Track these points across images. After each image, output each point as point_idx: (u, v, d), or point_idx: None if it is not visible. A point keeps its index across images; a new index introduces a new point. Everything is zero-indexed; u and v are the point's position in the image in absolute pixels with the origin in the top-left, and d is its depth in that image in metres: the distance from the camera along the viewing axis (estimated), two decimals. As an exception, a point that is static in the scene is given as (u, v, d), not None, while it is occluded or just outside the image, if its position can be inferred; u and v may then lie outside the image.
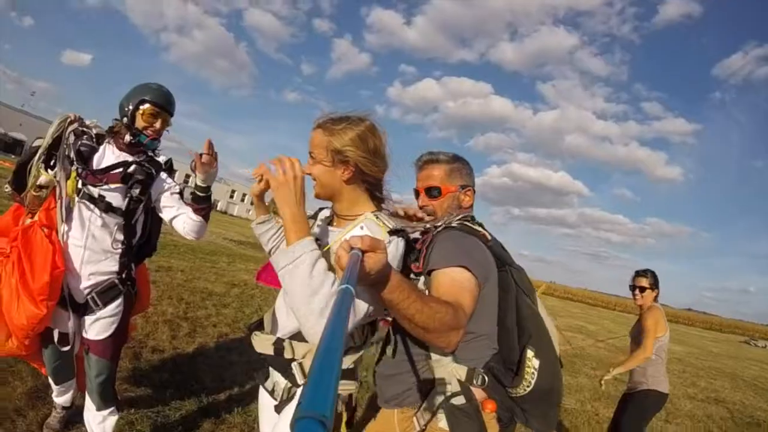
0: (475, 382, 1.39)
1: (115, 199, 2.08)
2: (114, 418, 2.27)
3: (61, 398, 2.52)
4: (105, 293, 2.11)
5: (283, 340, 1.44)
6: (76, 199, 2.02)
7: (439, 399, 1.39)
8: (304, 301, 1.19)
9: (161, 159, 2.27)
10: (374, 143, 1.44)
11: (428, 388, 1.42)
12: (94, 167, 2.05)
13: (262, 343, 1.48)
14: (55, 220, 2.02)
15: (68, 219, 2.04)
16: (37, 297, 1.89)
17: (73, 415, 2.60)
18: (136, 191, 2.10)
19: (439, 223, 1.54)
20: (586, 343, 12.41)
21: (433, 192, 1.68)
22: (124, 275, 2.15)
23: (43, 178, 2.01)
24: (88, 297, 2.08)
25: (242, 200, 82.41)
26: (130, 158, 2.13)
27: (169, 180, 2.26)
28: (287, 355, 1.42)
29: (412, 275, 1.46)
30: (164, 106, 2.17)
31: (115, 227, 2.11)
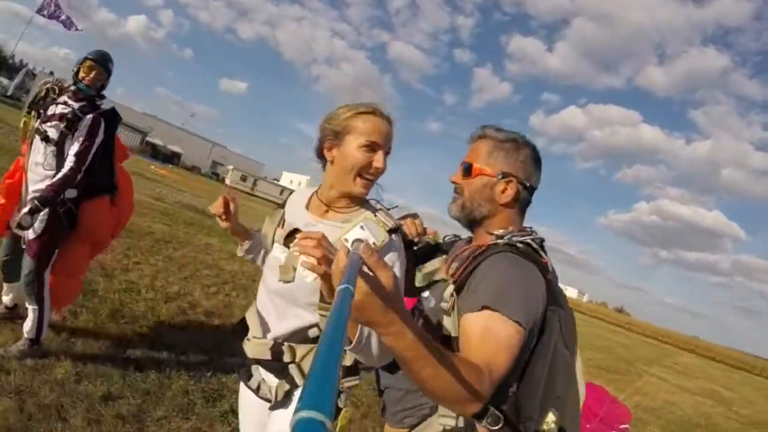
0: (485, 421, 1.16)
1: (52, 132, 2.84)
2: (34, 315, 2.94)
3: (6, 297, 3.26)
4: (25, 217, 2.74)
5: (282, 344, 1.43)
6: (33, 134, 2.87)
7: (438, 429, 1.30)
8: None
9: (104, 107, 3.02)
10: (356, 117, 1.43)
11: (432, 412, 1.33)
12: (49, 114, 2.88)
13: (257, 348, 1.48)
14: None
15: (29, 149, 2.92)
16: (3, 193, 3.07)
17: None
18: (62, 125, 2.83)
19: (502, 240, 1.30)
20: (715, 410, 10.87)
21: (465, 169, 1.44)
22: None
23: (23, 120, 2.99)
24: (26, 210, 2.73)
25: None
26: (74, 105, 2.90)
27: (102, 128, 2.97)
28: (286, 358, 1.42)
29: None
30: (98, 59, 2.96)
31: (50, 153, 2.85)
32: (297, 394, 1.45)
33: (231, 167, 56.50)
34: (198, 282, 6.11)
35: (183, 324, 4.47)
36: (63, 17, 13.72)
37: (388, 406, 1.49)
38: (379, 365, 1.35)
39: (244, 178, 53.38)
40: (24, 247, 2.94)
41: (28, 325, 2.97)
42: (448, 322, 1.26)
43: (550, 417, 1.19)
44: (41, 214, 2.76)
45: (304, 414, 0.32)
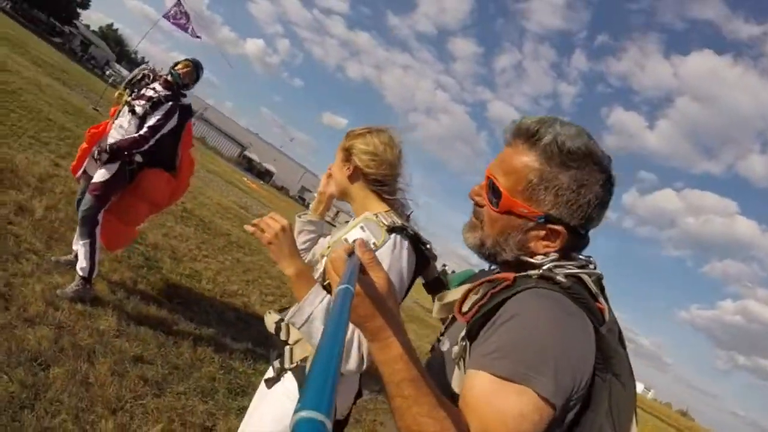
0: None
1: (138, 108, 3.45)
2: (84, 249, 3.25)
3: (76, 245, 3.50)
4: (109, 159, 3.33)
5: (282, 321, 1.53)
6: (124, 106, 3.54)
7: None
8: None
9: (185, 101, 3.68)
10: (382, 145, 1.60)
11: None
12: (140, 93, 3.53)
13: (269, 321, 1.60)
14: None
15: (116, 114, 3.58)
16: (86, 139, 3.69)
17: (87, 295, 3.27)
18: (148, 105, 3.45)
19: (530, 271, 0.92)
20: None
21: (492, 193, 0.99)
22: (126, 155, 3.41)
23: (118, 92, 3.70)
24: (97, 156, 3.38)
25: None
26: (162, 91, 3.52)
27: (176, 116, 3.57)
28: (282, 336, 1.52)
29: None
30: (195, 63, 3.73)
31: (133, 123, 3.45)
32: (285, 377, 1.50)
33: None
34: (258, 288, 6.21)
35: (231, 320, 4.51)
36: (188, 27, 14.99)
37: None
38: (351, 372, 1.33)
39: (336, 213, 55.21)
40: (88, 189, 3.41)
41: (80, 264, 3.24)
42: (455, 377, 0.97)
43: None
44: (111, 164, 3.35)
45: (304, 414, 0.32)
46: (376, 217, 1.46)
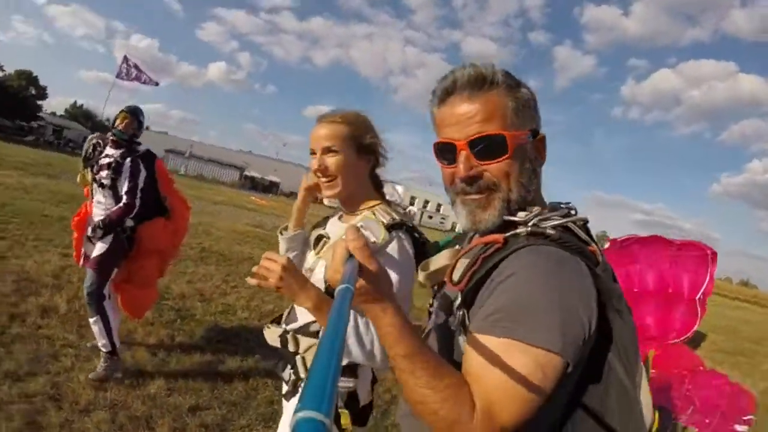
0: None
1: (104, 180, 3.41)
2: (97, 326, 3.27)
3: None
4: (104, 234, 3.34)
5: (288, 332, 1.52)
6: (92, 182, 3.53)
7: None
8: (368, 359, 1.33)
9: (141, 149, 3.58)
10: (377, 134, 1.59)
11: None
12: (99, 164, 3.48)
13: (271, 335, 1.58)
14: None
15: (90, 193, 3.58)
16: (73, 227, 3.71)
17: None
18: (110, 172, 3.39)
19: (523, 227, 0.92)
20: None
21: (491, 145, 0.95)
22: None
23: (80, 174, 3.70)
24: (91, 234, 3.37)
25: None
26: (114, 152, 3.46)
27: (141, 167, 3.49)
28: (291, 348, 1.50)
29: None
30: (129, 111, 3.54)
31: (107, 195, 3.43)
32: (302, 387, 1.47)
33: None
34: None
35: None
36: (143, 77, 14.99)
37: None
38: (383, 367, 1.35)
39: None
40: (87, 265, 3.44)
41: (100, 340, 3.30)
42: (457, 346, 0.98)
43: None
44: (105, 237, 3.35)
45: (304, 414, 0.32)
46: (374, 215, 1.46)
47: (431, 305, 1.18)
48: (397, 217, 1.45)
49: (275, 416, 3.09)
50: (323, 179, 1.53)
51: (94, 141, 3.67)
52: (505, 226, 0.97)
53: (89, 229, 3.39)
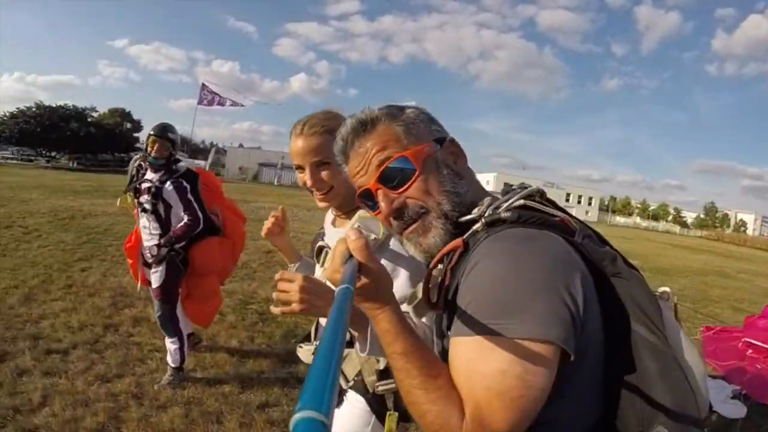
0: None
1: (146, 204, 3.35)
2: (173, 346, 3.36)
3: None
4: (156, 257, 3.40)
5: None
6: (136, 207, 3.47)
7: None
8: None
9: (180, 167, 3.44)
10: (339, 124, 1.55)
11: None
12: (141, 188, 3.40)
13: (305, 354, 1.58)
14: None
15: (138, 218, 3.49)
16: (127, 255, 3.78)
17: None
18: (149, 197, 3.33)
19: (475, 225, 0.88)
20: None
21: (398, 171, 0.93)
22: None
23: (119, 200, 3.66)
24: (149, 260, 3.43)
25: (578, 202, 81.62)
26: (153, 176, 3.38)
27: (184, 185, 3.39)
28: None
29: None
30: (157, 133, 3.33)
31: (152, 219, 3.38)
32: (347, 396, 1.49)
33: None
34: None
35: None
36: (224, 102, 15.83)
37: None
38: None
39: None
40: (152, 294, 3.53)
41: (170, 358, 3.41)
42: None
43: None
44: (159, 267, 3.40)
45: (303, 414, 0.32)
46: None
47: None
48: None
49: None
50: (318, 193, 1.49)
51: (137, 163, 3.57)
52: (462, 230, 0.91)
53: (147, 257, 3.45)
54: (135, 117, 57.63)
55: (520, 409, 0.71)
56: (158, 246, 3.36)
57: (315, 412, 0.32)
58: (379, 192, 0.94)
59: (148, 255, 3.43)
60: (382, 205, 0.94)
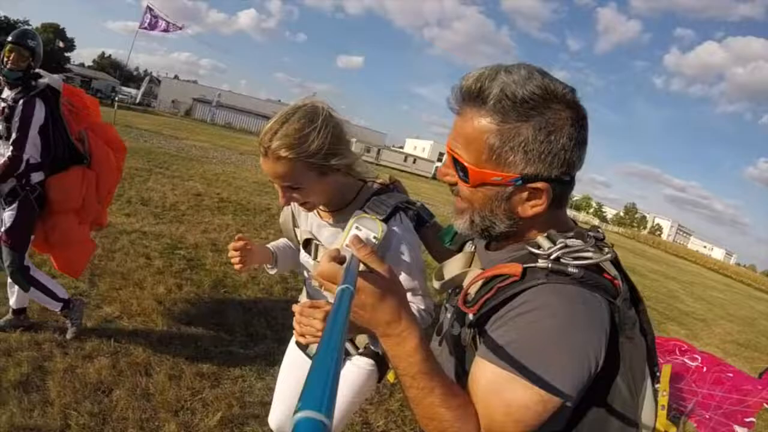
0: None
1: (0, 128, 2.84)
2: (36, 295, 3.03)
3: (11, 298, 3.14)
4: (7, 196, 2.89)
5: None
6: None
7: None
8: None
9: (41, 83, 2.90)
10: (335, 129, 1.39)
11: None
12: None
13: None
14: None
15: None
16: None
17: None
18: (1, 119, 2.83)
19: (539, 262, 0.87)
20: None
21: (460, 167, 0.92)
22: (23, 182, 2.90)
23: None
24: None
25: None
26: (9, 95, 2.85)
27: (37, 108, 2.85)
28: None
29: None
30: (15, 40, 2.84)
31: (5, 146, 2.85)
32: (352, 359, 1.66)
33: (354, 140, 58.69)
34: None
35: (280, 291, 4.75)
36: (163, 25, 14.91)
37: None
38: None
39: (368, 149, 54.88)
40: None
41: (50, 306, 3.12)
42: (467, 359, 0.99)
43: None
44: (11, 206, 2.90)
45: (304, 414, 0.32)
46: (366, 211, 1.41)
47: (447, 302, 1.19)
48: (390, 202, 1.44)
49: (269, 369, 3.21)
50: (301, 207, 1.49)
51: None
52: (518, 235, 0.97)
53: None
54: (69, 35, 53.25)
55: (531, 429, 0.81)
56: None
57: (315, 412, 0.32)
58: (446, 156, 0.96)
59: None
60: (442, 170, 0.99)
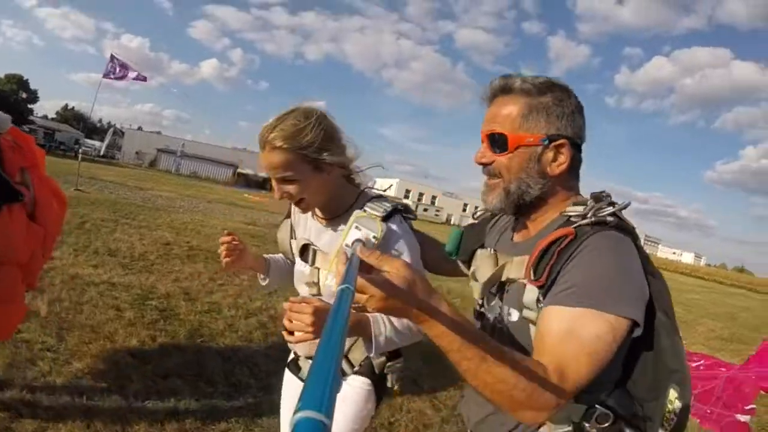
0: (590, 423, 1.02)
1: None
2: None
3: None
4: None
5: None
6: None
7: None
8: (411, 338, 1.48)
9: None
10: (329, 129, 1.48)
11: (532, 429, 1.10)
12: None
13: (309, 347, 1.62)
14: None
15: None
16: None
17: None
18: None
19: (586, 219, 1.05)
20: None
21: (495, 141, 1.13)
22: None
23: None
24: None
25: (473, 212, 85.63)
26: None
27: None
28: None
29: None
30: None
31: None
32: (347, 379, 1.61)
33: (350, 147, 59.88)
34: (282, 297, 6.25)
35: (260, 337, 4.59)
36: (130, 75, 14.90)
37: (471, 415, 1.32)
38: (420, 338, 1.43)
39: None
40: None
41: None
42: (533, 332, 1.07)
43: (672, 394, 1.03)
44: None
45: (304, 414, 0.32)
46: (366, 211, 1.44)
47: (480, 306, 1.29)
48: (387, 205, 1.48)
49: (257, 419, 3.06)
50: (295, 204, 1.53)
51: None
52: (541, 205, 1.16)
53: None
54: (32, 87, 52.95)
55: (599, 367, 0.92)
56: None
57: (315, 412, 0.32)
58: (483, 144, 1.17)
59: None
60: (477, 153, 1.19)
